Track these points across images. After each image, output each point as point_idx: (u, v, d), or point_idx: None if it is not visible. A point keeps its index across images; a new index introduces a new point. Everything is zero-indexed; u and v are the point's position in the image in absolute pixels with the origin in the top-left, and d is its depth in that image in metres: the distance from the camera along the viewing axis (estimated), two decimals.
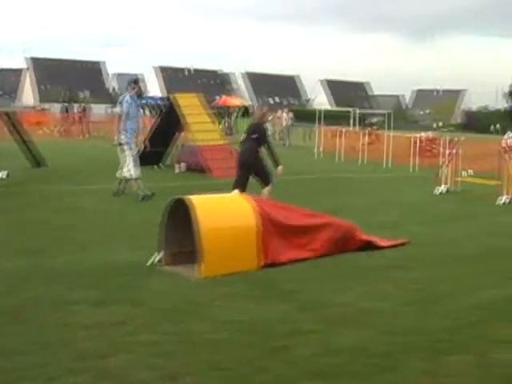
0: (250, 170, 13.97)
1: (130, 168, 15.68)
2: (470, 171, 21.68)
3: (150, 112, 44.96)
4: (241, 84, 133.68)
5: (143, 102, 62.43)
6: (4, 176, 18.71)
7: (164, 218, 9.04)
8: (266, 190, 14.03)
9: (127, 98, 15.95)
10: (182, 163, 22.25)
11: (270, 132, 42.15)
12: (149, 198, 15.28)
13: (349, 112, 40.04)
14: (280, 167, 14.13)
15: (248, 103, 69.61)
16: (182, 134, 23.93)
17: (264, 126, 14.99)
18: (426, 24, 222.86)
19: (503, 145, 23.07)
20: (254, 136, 13.90)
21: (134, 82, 16.68)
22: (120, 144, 15.91)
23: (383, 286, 8.36)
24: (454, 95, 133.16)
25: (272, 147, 14.23)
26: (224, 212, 9.16)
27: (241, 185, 13.49)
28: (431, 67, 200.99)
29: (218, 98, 63.13)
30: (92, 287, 7.88)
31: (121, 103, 15.96)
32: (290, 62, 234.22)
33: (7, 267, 8.79)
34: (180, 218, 8.92)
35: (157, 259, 9.02)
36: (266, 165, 14.22)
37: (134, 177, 15.74)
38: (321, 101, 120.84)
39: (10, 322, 6.61)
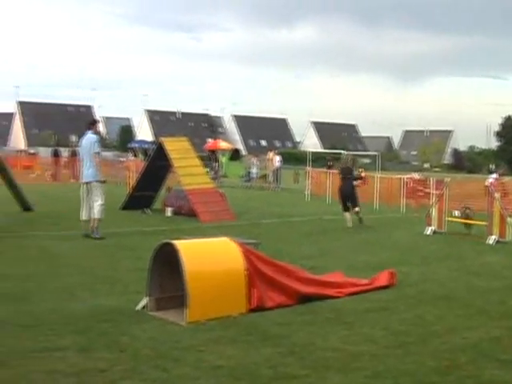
0: (349, 198, 20.77)
1: (102, 206, 16.45)
2: (457, 212, 21.71)
3: (141, 155, 45.10)
4: (229, 127, 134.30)
5: (136, 145, 62.59)
6: None
7: (150, 262, 8.99)
8: (356, 209, 20.78)
9: (97, 137, 17.05)
10: (169, 207, 22.21)
11: (255, 175, 42.70)
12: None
13: (340, 154, 40.18)
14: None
15: (236, 146, 69.81)
16: (170, 177, 24.01)
17: (352, 168, 22.38)
18: (412, 65, 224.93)
19: (487, 184, 23.20)
20: (350, 176, 21.30)
21: (94, 123, 17.79)
22: (104, 181, 16.80)
23: (369, 329, 8.32)
24: (443, 135, 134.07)
25: None
26: (211, 256, 9.11)
27: (348, 208, 20.76)
28: (419, 108, 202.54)
29: (209, 140, 63.50)
30: (76, 333, 7.80)
31: (96, 142, 16.73)
32: (277, 105, 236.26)
33: None
34: (167, 263, 8.88)
35: (140, 305, 8.96)
36: (356, 194, 21.10)
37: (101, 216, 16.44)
38: (311, 142, 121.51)
39: None
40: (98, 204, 16.40)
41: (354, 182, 21.47)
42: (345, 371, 6.69)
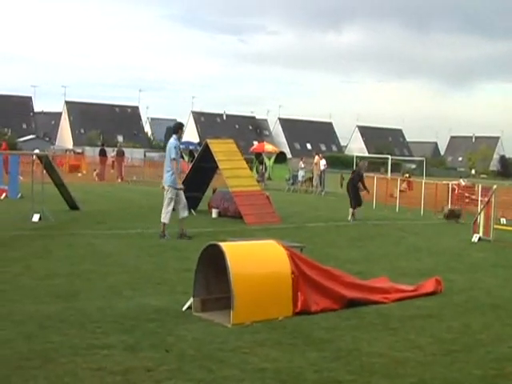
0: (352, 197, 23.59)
1: (169, 212, 16.46)
2: (504, 219, 21.43)
3: (187, 156, 45.33)
4: (274, 130, 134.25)
5: (182, 146, 63.25)
6: (36, 219, 18.88)
7: (197, 264, 9.04)
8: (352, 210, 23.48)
9: (176, 142, 16.84)
10: (214, 209, 22.29)
11: (300, 178, 42.61)
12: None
13: (386, 158, 40.03)
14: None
15: (282, 149, 69.76)
16: (215, 179, 24.13)
17: (361, 172, 24.73)
18: (461, 70, 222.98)
19: None
20: (359, 178, 24.04)
21: (180, 127, 17.68)
22: (181, 189, 16.71)
23: (415, 336, 8.27)
24: (490, 142, 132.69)
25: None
26: (257, 258, 9.13)
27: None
28: (466, 113, 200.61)
29: (255, 143, 63.52)
30: (123, 332, 7.88)
31: (174, 148, 16.63)
32: (323, 108, 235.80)
33: (39, 310, 8.82)
34: (213, 265, 8.93)
35: (187, 305, 9.03)
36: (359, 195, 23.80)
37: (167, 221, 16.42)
38: (356, 147, 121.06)
39: (40, 366, 6.60)
40: (166, 210, 16.51)
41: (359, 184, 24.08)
42: (391, 377, 6.67)
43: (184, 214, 16.59)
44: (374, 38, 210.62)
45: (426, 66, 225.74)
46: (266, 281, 8.84)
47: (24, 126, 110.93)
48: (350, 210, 23.69)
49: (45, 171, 21.22)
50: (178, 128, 17.47)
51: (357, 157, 43.60)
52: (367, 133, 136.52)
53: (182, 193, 16.64)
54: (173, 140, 16.88)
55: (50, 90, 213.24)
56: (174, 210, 16.62)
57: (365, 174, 25.66)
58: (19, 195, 26.56)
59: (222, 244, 8.89)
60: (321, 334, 8.20)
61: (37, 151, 33.54)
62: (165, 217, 16.44)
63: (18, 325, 8.10)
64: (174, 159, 16.63)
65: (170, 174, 16.57)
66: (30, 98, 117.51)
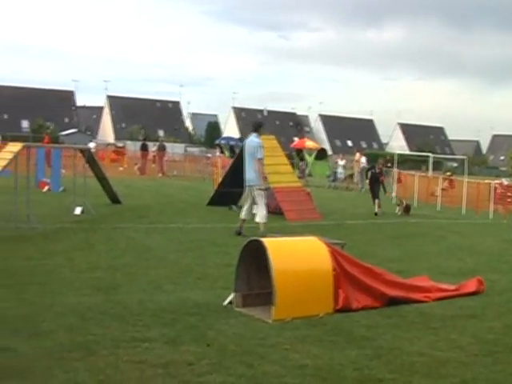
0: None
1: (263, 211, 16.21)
2: None
3: (228, 152, 45.42)
4: (315, 126, 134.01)
5: (223, 142, 63.14)
6: (78, 212, 19.03)
7: (238, 259, 9.05)
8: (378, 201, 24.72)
9: (261, 142, 16.61)
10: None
11: (341, 175, 42.49)
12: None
13: (427, 156, 39.68)
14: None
15: (323, 146, 69.54)
16: None
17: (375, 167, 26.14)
18: (503, 68, 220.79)
19: None
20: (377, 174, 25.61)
21: (261, 126, 17.47)
22: (265, 189, 16.72)
23: (456, 336, 8.19)
24: None
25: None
26: (299, 254, 9.11)
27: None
28: (509, 112, 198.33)
29: (296, 139, 63.32)
30: (164, 325, 7.91)
31: (261, 147, 16.44)
32: (364, 105, 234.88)
33: (81, 302, 8.89)
34: (254, 260, 8.93)
35: (228, 300, 9.04)
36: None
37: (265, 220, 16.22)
38: (397, 144, 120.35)
39: (81, 358, 6.65)
40: (259, 210, 16.29)
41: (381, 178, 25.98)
42: (432, 377, 6.61)
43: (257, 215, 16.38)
44: (415, 35, 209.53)
45: (467, 64, 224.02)
46: (307, 277, 8.82)
47: (66, 119, 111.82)
48: (376, 201, 24.71)
49: (87, 165, 21.35)
50: (259, 126, 17.25)
51: (398, 154, 43.27)
52: (408, 130, 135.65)
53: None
54: (257, 139, 16.62)
55: (91, 85, 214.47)
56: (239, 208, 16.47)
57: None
58: (61, 188, 26.80)
59: (264, 240, 8.89)
60: (361, 331, 8.16)
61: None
62: (262, 216, 16.20)
63: (59, 316, 8.17)
64: (261, 159, 16.41)
65: (257, 175, 16.36)
66: (73, 93, 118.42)
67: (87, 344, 7.08)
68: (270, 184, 21.18)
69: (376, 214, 23.99)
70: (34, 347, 6.91)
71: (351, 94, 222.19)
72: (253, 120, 17.18)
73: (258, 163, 16.38)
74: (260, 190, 16.40)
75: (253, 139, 16.63)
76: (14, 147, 16.08)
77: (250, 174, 16.47)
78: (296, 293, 8.62)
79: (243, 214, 16.39)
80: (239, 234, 15.87)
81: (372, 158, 58.11)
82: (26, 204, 16.18)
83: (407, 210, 25.34)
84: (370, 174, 26.45)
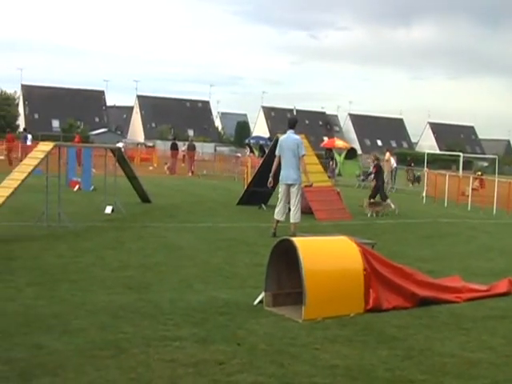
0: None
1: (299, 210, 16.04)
2: None
3: (257, 151, 45.43)
4: (345, 126, 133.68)
5: (252, 141, 63.09)
6: (109, 211, 19.14)
7: (269, 258, 9.05)
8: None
9: (300, 139, 16.45)
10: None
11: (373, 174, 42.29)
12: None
13: (458, 156, 39.48)
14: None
15: (352, 145, 69.28)
16: None
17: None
18: None
19: None
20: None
21: (297, 122, 17.19)
22: (311, 185, 16.82)
23: (488, 337, 8.13)
24: None
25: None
26: (329, 254, 9.10)
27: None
28: None
29: (325, 139, 63.07)
30: (194, 324, 7.93)
31: (301, 144, 16.23)
32: (394, 105, 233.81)
33: (112, 301, 8.94)
34: (284, 259, 8.93)
35: (258, 299, 9.05)
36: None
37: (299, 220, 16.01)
38: (427, 144, 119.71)
39: (113, 356, 6.68)
40: (296, 210, 15.97)
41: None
42: (463, 378, 6.56)
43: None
44: (446, 33, 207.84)
45: (498, 63, 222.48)
46: (337, 277, 8.80)
47: (96, 119, 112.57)
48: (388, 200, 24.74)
49: (117, 164, 21.46)
50: (295, 122, 16.91)
51: (428, 154, 43.13)
52: (438, 129, 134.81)
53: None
54: (296, 136, 16.31)
55: (122, 84, 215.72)
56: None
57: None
58: (92, 187, 26.99)
59: (295, 239, 8.88)
60: (392, 331, 8.13)
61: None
62: (299, 216, 15.97)
63: (91, 314, 8.22)
64: (304, 155, 16.21)
65: (299, 172, 16.11)
66: (103, 92, 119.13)
67: (118, 342, 7.11)
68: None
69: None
70: (66, 344, 6.96)
71: (381, 93, 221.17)
72: (289, 116, 17.06)
73: (303, 160, 16.14)
74: (306, 186, 16.58)
75: (291, 136, 16.22)
76: (46, 146, 16.19)
77: (289, 171, 16.01)
78: (326, 292, 8.60)
79: (279, 216, 16.05)
80: (274, 235, 15.51)
81: (402, 158, 57.94)
82: (58, 203, 16.28)
83: (375, 205, 24.04)
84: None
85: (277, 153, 16.31)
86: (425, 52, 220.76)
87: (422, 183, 37.48)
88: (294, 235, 15.02)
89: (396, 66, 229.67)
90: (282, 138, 16.51)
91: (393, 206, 24.29)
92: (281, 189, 16.26)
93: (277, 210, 16.13)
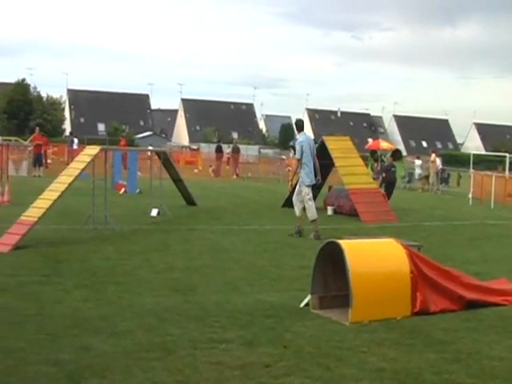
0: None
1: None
2: None
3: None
4: (389, 127, 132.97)
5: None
6: (155, 214, 19.26)
7: (315, 260, 9.03)
8: None
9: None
10: (330, 206, 22.21)
11: (418, 176, 42.02)
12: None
13: (504, 156, 39.00)
14: None
15: (397, 147, 68.85)
16: (331, 176, 24.07)
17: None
18: None
19: None
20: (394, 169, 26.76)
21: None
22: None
23: None
24: None
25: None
26: (376, 257, 9.05)
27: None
28: None
29: (370, 140, 62.64)
30: (240, 327, 7.95)
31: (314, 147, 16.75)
32: (439, 105, 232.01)
33: (158, 303, 9.00)
34: (331, 262, 8.91)
35: (304, 302, 9.04)
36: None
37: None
38: (473, 144, 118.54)
39: (159, 358, 6.73)
40: (312, 208, 16.52)
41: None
42: None
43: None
44: (492, 33, 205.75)
45: None
46: (384, 279, 8.74)
47: (141, 122, 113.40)
48: None
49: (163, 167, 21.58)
50: (303, 124, 17.46)
51: (473, 155, 42.71)
52: (484, 130, 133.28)
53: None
54: (309, 137, 17.05)
55: (166, 88, 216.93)
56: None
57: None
58: (138, 190, 27.17)
59: (341, 242, 8.85)
60: (439, 335, 8.06)
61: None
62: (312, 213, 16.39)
63: (137, 317, 8.29)
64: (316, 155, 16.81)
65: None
66: (147, 96, 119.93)
67: (165, 344, 7.16)
68: (346, 185, 21.17)
69: None
70: (113, 346, 7.03)
71: (426, 93, 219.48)
72: (297, 119, 17.27)
73: (315, 160, 16.76)
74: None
75: (310, 138, 17.00)
76: (92, 150, 16.33)
77: (313, 172, 16.54)
78: (373, 295, 8.56)
79: (315, 215, 16.39)
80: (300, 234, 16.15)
81: (448, 159, 57.43)
82: (104, 206, 16.43)
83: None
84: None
85: (298, 155, 16.62)
86: (471, 51, 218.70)
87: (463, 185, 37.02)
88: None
89: (441, 65, 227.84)
90: (303, 139, 16.67)
91: None
92: (307, 190, 16.49)
93: (314, 210, 16.47)
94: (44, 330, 7.58)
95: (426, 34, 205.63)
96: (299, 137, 16.81)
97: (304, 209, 16.47)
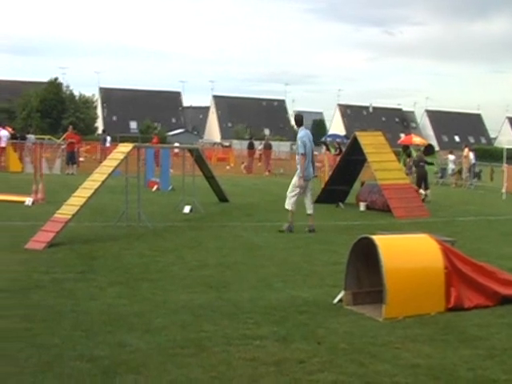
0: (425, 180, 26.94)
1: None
2: None
3: (333, 149, 45.22)
4: (422, 122, 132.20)
5: (329, 139, 62.96)
6: (187, 211, 19.32)
7: (348, 256, 9.02)
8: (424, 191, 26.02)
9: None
10: (362, 202, 22.14)
11: (451, 171, 41.72)
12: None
13: None
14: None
15: (430, 142, 68.39)
16: (363, 171, 24.01)
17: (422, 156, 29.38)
18: None
19: None
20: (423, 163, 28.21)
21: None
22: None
23: None
24: None
25: None
26: (410, 252, 9.01)
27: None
28: None
29: (402, 135, 62.26)
30: (274, 323, 7.96)
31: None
32: (471, 100, 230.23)
33: (192, 299, 9.04)
34: (363, 258, 8.89)
35: (338, 298, 9.03)
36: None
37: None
38: (506, 139, 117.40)
39: (194, 354, 6.75)
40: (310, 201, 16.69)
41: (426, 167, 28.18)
42: None
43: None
44: None
45: None
46: (418, 275, 8.70)
47: (173, 120, 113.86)
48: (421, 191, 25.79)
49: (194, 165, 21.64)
50: (303, 119, 17.44)
51: (507, 149, 42.32)
52: None
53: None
54: (308, 132, 17.05)
55: (197, 85, 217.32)
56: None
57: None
58: (170, 187, 27.28)
59: (375, 237, 8.82)
60: (474, 330, 8.00)
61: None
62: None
63: (172, 313, 8.33)
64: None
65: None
66: (179, 93, 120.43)
67: (199, 341, 7.19)
68: (378, 181, 21.09)
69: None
70: (148, 343, 7.07)
71: (458, 88, 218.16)
72: (296, 114, 17.44)
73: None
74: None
75: (309, 133, 16.98)
76: (125, 148, 16.41)
77: (311, 166, 16.82)
78: (407, 291, 8.52)
79: (291, 206, 16.49)
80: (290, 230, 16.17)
81: (481, 154, 56.95)
82: (137, 203, 16.51)
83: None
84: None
85: (301, 150, 16.54)
86: (503, 45, 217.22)
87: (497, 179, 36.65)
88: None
89: (473, 59, 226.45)
90: (303, 135, 16.63)
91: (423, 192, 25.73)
92: (307, 183, 16.67)
93: (294, 201, 16.53)
94: (79, 326, 7.65)
95: (457, 28, 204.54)
96: (299, 132, 16.80)
97: (300, 202, 16.66)
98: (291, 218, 16.21)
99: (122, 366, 6.36)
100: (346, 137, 68.06)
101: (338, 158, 26.50)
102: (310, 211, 16.49)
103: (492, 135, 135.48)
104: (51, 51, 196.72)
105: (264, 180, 37.91)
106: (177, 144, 47.32)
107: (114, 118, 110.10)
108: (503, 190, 31.49)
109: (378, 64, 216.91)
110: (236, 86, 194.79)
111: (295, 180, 16.61)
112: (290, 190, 16.67)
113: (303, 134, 16.59)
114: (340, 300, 9.00)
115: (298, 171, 16.57)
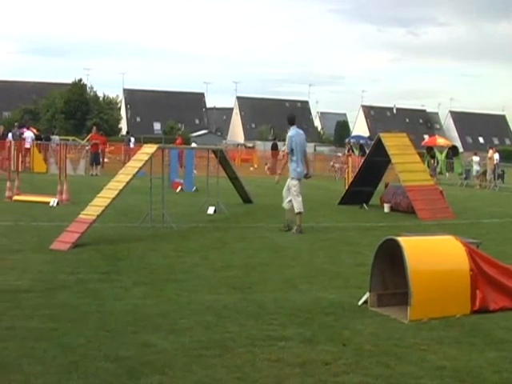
0: None
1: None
2: None
3: (357, 150, 45.18)
4: (446, 123, 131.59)
5: (352, 140, 62.87)
6: (211, 212, 19.35)
7: (373, 258, 8.99)
8: None
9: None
10: (387, 203, 22.06)
11: (475, 173, 41.51)
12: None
13: None
14: None
15: (454, 143, 68.14)
16: (387, 173, 23.94)
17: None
18: None
19: None
20: None
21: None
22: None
23: None
24: None
25: None
26: (435, 254, 8.97)
27: None
28: None
29: (426, 137, 62.16)
30: (299, 324, 7.95)
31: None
32: (496, 101, 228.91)
33: (216, 300, 9.05)
34: (389, 259, 8.86)
35: (363, 300, 9.00)
36: None
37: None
38: None
39: (218, 355, 6.75)
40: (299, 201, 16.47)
41: None
42: None
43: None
44: None
45: None
46: (443, 277, 8.66)
47: (197, 121, 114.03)
48: None
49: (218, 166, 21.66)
50: (295, 118, 17.83)
51: None
52: None
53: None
54: (300, 131, 17.30)
55: (221, 86, 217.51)
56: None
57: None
58: (194, 188, 27.35)
59: (400, 239, 8.79)
60: (500, 333, 7.95)
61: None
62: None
63: (196, 314, 8.34)
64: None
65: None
66: (203, 94, 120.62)
67: (224, 341, 7.19)
68: (402, 182, 21.01)
69: None
70: (173, 343, 7.08)
71: (482, 89, 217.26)
72: (289, 113, 17.66)
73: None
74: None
75: (300, 132, 17.19)
76: (150, 149, 16.46)
77: (303, 167, 16.86)
78: (432, 293, 8.48)
79: (301, 208, 16.28)
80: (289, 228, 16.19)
81: (505, 155, 56.65)
82: (161, 204, 16.56)
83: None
84: None
85: (288, 149, 16.84)
86: None
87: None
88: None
89: (498, 60, 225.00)
90: (293, 134, 16.92)
91: None
92: (298, 183, 16.71)
93: (300, 203, 16.33)
94: (104, 326, 7.68)
95: (481, 29, 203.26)
96: (289, 131, 16.91)
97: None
98: (299, 221, 16.12)
99: (147, 366, 6.38)
100: (369, 138, 67.95)
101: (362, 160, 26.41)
102: (286, 206, 16.50)
103: None
104: (76, 52, 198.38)
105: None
106: (194, 145, 47.44)
107: (138, 119, 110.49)
108: None
109: (402, 65, 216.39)
110: (260, 87, 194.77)
111: (290, 182, 16.73)
112: (291, 192, 16.60)
113: (294, 132, 16.84)
114: (365, 302, 8.98)
115: (290, 173, 16.80)
